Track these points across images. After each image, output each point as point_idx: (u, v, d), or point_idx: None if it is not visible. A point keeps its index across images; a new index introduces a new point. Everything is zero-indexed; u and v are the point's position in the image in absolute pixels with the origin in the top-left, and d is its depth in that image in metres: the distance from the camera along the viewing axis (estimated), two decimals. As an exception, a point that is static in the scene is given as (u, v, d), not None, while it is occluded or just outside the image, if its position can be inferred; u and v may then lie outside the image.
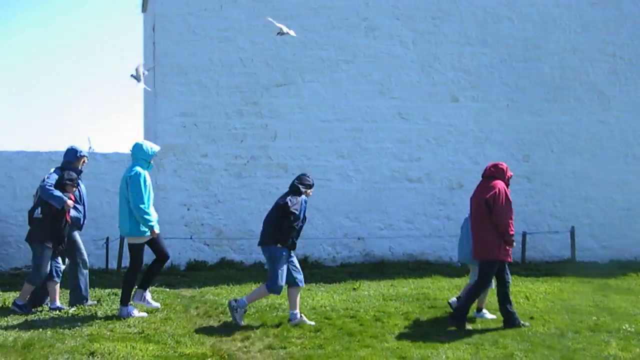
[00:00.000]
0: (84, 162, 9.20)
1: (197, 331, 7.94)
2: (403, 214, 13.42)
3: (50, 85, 47.04)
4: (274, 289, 8.25)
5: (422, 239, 13.43)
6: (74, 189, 8.90)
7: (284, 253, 8.32)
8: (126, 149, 13.26)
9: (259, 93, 12.99)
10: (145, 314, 8.51)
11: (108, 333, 7.78)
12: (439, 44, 13.72)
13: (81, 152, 9.12)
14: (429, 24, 13.67)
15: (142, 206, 8.28)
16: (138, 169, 8.44)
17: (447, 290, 10.62)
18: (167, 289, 10.43)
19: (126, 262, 11.66)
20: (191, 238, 12.56)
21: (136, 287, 8.65)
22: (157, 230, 8.56)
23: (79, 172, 9.09)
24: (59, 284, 9.07)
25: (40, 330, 7.90)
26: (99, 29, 49.85)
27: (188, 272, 12.16)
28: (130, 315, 8.38)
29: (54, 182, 8.71)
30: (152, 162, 8.75)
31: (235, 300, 8.33)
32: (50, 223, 8.68)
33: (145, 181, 8.36)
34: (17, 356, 6.83)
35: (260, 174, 12.96)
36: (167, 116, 12.68)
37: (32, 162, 12.17)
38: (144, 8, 15.87)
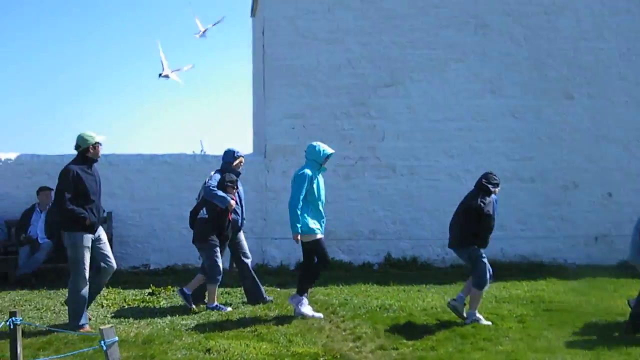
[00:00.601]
0: (241, 162, 9.63)
1: (309, 330, 8.00)
2: (515, 215, 13.06)
3: (163, 90, 48.72)
4: (481, 282, 8.39)
5: (535, 240, 13.04)
6: (235, 190, 9.25)
7: (482, 250, 8.45)
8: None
9: (367, 94, 12.96)
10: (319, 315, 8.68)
11: (222, 331, 7.96)
12: (552, 40, 13.27)
13: (238, 153, 9.55)
14: (541, 19, 13.25)
15: (294, 208, 8.45)
16: (307, 170, 8.66)
17: (563, 294, 10.30)
18: (278, 289, 10.57)
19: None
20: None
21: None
22: (319, 234, 8.75)
23: (238, 174, 9.52)
24: (217, 285, 9.37)
25: (159, 327, 8.17)
26: (209, 33, 51.18)
27: (298, 272, 12.24)
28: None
29: (216, 183, 9.14)
30: (324, 164, 8.88)
31: (454, 299, 8.54)
32: (215, 223, 9.04)
33: (308, 182, 8.52)
34: (137, 351, 7.08)
35: (369, 175, 12.93)
36: (275, 118, 12.85)
37: (148, 164, 12.58)
38: (253, 13, 16.15)
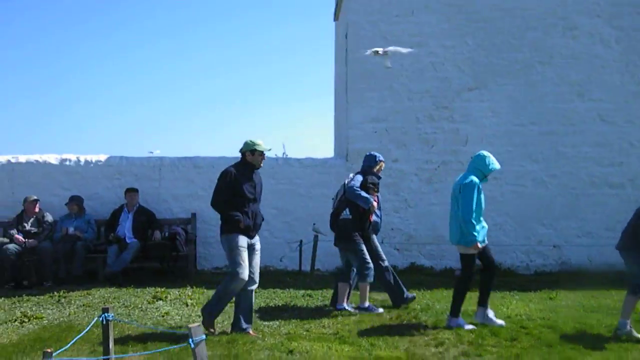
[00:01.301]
0: (381, 167, 9.72)
1: (391, 334, 7.95)
2: (603, 222, 12.66)
3: (245, 93, 49.49)
4: None
5: (624, 249, 12.61)
6: (376, 193, 9.39)
7: None
8: (319, 154, 13.62)
9: (450, 97, 12.82)
10: (473, 327, 8.28)
11: (304, 333, 8.01)
12: (645, 41, 12.84)
13: (379, 157, 9.66)
14: (634, 20, 12.80)
15: (468, 218, 8.12)
16: (473, 178, 8.32)
17: (655, 304, 9.91)
18: (359, 292, 10.53)
19: (318, 264, 11.99)
20: (382, 242, 12.58)
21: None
22: (479, 244, 8.27)
23: (379, 178, 9.62)
24: (350, 286, 9.49)
25: (242, 327, 8.26)
26: (292, 38, 51.76)
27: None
28: (462, 326, 8.23)
29: (359, 184, 9.23)
30: (487, 177, 8.57)
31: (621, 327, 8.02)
32: (357, 223, 9.17)
33: (478, 192, 8.25)
34: (222, 350, 7.19)
35: (451, 180, 12.65)
36: (358, 122, 12.84)
37: (231, 167, 12.77)
38: (336, 16, 16.21)
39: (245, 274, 7.86)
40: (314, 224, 11.86)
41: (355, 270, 9.32)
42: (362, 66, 12.79)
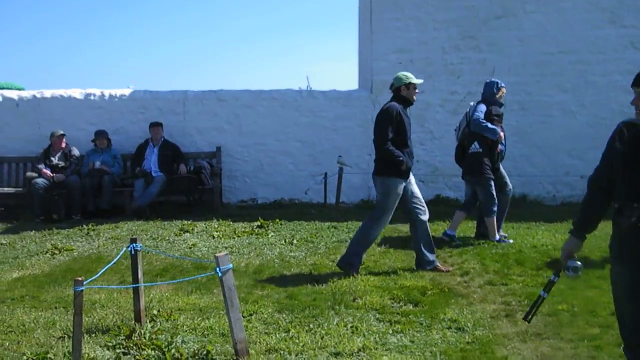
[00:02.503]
0: (503, 93, 9.40)
1: (416, 264, 7.98)
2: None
3: (269, 26, 48.98)
4: None
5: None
6: (501, 123, 9.20)
7: None
8: (343, 86, 13.48)
9: (477, 26, 12.53)
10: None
11: (330, 263, 8.06)
12: (682, -34, 12.39)
13: (501, 84, 9.28)
14: (669, -57, 12.36)
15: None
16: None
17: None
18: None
19: (343, 197, 12.01)
20: (407, 174, 12.56)
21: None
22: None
23: (501, 105, 9.33)
24: (465, 215, 9.57)
25: (269, 258, 8.36)
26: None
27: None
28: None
29: (483, 115, 8.98)
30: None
31: None
32: (486, 155, 9.04)
33: None
34: (249, 280, 7.28)
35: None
36: (383, 53, 12.64)
37: (256, 100, 12.69)
38: (360, -55, 15.83)
39: (388, 220, 7.72)
40: (339, 156, 11.82)
41: (480, 202, 9.23)
42: (387, -5, 12.52)
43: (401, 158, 7.41)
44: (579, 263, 4.05)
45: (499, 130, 8.96)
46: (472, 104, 9.28)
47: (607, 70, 12.45)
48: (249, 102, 12.69)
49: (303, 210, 11.84)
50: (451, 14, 12.50)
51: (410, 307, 6.39)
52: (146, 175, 11.52)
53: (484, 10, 12.49)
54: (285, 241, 9.31)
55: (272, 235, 9.74)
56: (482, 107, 9.01)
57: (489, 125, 8.87)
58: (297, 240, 9.35)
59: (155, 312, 6.08)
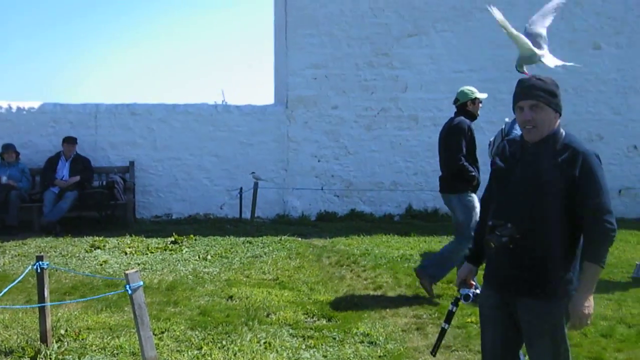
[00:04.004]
0: None
1: (330, 279, 8.06)
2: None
3: (184, 40, 48.54)
4: None
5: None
6: None
7: None
8: (258, 101, 13.49)
9: (390, 44, 12.78)
10: None
11: (244, 279, 8.04)
12: (581, -11, 12.98)
13: None
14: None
15: None
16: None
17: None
18: (299, 239, 10.61)
19: (258, 212, 11.98)
20: (322, 189, 12.67)
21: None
22: None
23: None
24: None
25: (182, 274, 8.26)
26: (230, -15, 50.81)
27: (318, 222, 12.32)
28: None
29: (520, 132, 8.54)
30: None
31: None
32: None
33: None
34: (161, 297, 7.18)
35: (391, 126, 12.83)
36: (298, 68, 12.73)
37: (170, 114, 12.54)
38: (275, -39, 15.91)
39: (471, 235, 7.48)
40: (252, 172, 11.81)
41: None
42: (302, 12, 12.63)
43: (473, 173, 7.35)
44: (472, 291, 3.90)
45: None
46: (507, 120, 8.98)
47: (513, 87, 12.82)
48: (163, 116, 12.53)
49: (218, 225, 11.76)
50: (365, 31, 12.71)
51: (324, 322, 6.43)
52: (66, 186, 11.20)
53: (397, 28, 12.75)
54: (199, 257, 9.23)
55: (186, 251, 9.63)
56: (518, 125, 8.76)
57: None
58: (212, 256, 9.28)
59: (62, 331, 5.92)
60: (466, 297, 3.90)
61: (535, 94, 3.55)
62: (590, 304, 3.45)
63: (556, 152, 3.52)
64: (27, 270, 5.60)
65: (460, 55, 12.84)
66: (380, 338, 5.95)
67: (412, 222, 12.35)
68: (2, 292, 5.15)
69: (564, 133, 3.60)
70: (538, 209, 3.48)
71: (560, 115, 3.63)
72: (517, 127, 8.68)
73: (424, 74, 12.82)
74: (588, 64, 12.98)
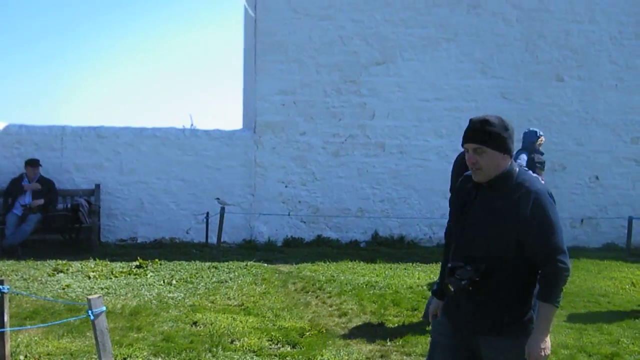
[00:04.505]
0: (542, 141, 9.62)
1: (296, 305, 8.05)
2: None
3: (152, 63, 48.44)
4: None
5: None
6: (543, 172, 9.24)
7: None
8: (226, 126, 13.50)
9: (358, 71, 12.92)
10: None
11: (209, 304, 8.00)
12: (545, 21, 13.22)
13: (540, 132, 9.60)
14: (534, 1, 13.20)
15: None
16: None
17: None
18: (265, 264, 10.59)
19: (225, 237, 11.94)
20: (289, 215, 12.68)
21: None
22: None
23: (542, 154, 9.55)
24: None
25: (146, 299, 8.19)
26: (200, 7, 50.92)
27: (285, 248, 12.31)
28: None
29: (525, 163, 9.08)
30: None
31: None
32: None
33: None
34: (124, 322, 7.10)
35: (358, 153, 12.93)
36: (266, 94, 12.79)
37: (137, 137, 12.50)
38: (246, -13, 16.03)
39: None
40: (217, 198, 11.80)
41: None
42: (271, 38, 12.73)
43: None
44: None
45: (540, 179, 8.93)
46: (517, 151, 9.34)
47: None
48: (130, 140, 12.48)
49: (184, 249, 11.70)
50: (333, 58, 12.83)
51: (288, 348, 6.42)
52: (31, 209, 11.08)
53: (365, 56, 12.90)
54: (164, 281, 9.16)
55: (150, 276, 9.56)
56: (524, 156, 9.29)
57: (532, 173, 8.84)
58: (177, 281, 9.22)
59: (22, 357, 5.84)
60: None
61: (479, 137, 3.50)
62: (546, 345, 3.44)
63: (509, 192, 3.48)
64: (-13, 295, 5.51)
65: (427, 84, 13.01)
66: (345, 365, 5.95)
67: (378, 248, 12.40)
68: (-39, 317, 5.06)
69: (517, 171, 3.56)
70: (495, 249, 3.45)
71: (511, 155, 3.57)
72: (521, 157, 9.07)
73: (391, 102, 12.96)
74: (551, 96, 13.27)
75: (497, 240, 3.46)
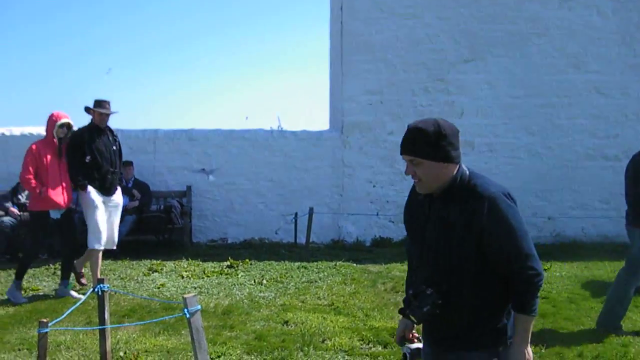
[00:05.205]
0: None
1: (386, 306, 8.00)
2: (598, 194, 12.71)
3: (240, 65, 49.28)
4: None
5: (619, 220, 12.53)
6: None
7: None
8: (313, 127, 13.56)
9: (445, 69, 12.75)
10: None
11: (300, 304, 8.04)
12: (642, 12, 12.74)
13: None
14: (630, -9, 12.72)
15: None
16: None
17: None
18: (354, 264, 10.57)
19: (313, 237, 12.00)
20: (377, 215, 12.63)
21: None
22: None
23: None
24: None
25: (238, 298, 8.31)
26: (286, 8, 51.49)
27: (373, 248, 12.27)
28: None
29: None
30: None
31: None
32: None
33: None
34: (217, 321, 7.22)
35: (446, 152, 12.72)
36: (353, 94, 12.78)
37: (227, 139, 12.69)
38: (331, -12, 16.05)
39: None
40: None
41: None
42: (357, 38, 12.71)
43: None
44: (413, 346, 3.51)
45: None
46: None
47: (572, 113, 12.71)
48: (220, 142, 12.69)
49: (273, 250, 11.81)
50: (420, 56, 12.70)
51: (380, 348, 6.39)
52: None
53: (453, 53, 12.72)
54: (254, 281, 9.28)
55: (241, 275, 9.69)
56: None
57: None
58: (267, 281, 9.32)
59: (121, 354, 6.01)
60: (410, 356, 3.53)
61: (410, 148, 3.22)
62: (529, 357, 3.20)
63: (460, 201, 3.19)
64: (88, 293, 5.72)
65: (518, 81, 12.72)
66: (437, 366, 5.86)
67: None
68: (64, 314, 5.25)
69: (468, 176, 3.26)
70: (456, 266, 3.17)
71: (455, 162, 3.25)
72: None
73: (480, 100, 12.73)
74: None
75: (457, 256, 3.16)
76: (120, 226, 11.09)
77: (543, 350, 6.25)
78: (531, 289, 3.14)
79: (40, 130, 12.30)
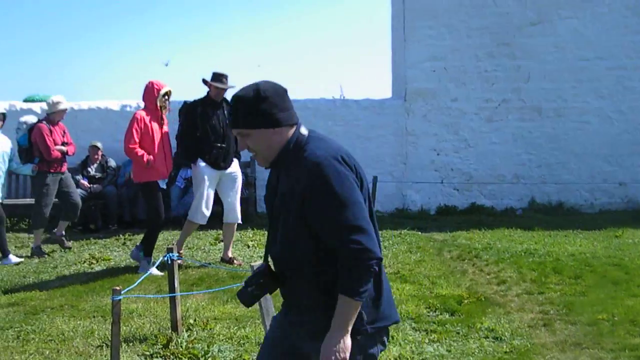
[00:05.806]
0: None
1: (452, 273, 7.94)
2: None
3: (302, 35, 49.20)
4: None
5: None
6: None
7: None
8: (376, 95, 13.46)
9: (511, 33, 12.44)
10: None
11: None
12: None
13: None
14: None
15: None
16: None
17: None
18: (419, 233, 10.51)
19: (378, 205, 11.96)
20: (441, 183, 12.51)
21: None
22: None
23: None
24: None
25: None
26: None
27: (438, 216, 12.17)
28: None
29: None
30: None
31: None
32: None
33: None
34: (284, 289, 7.27)
35: (512, 118, 12.51)
36: (416, 61, 12.60)
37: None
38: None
39: None
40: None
41: None
42: (420, 3, 12.50)
43: None
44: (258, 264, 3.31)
45: None
46: None
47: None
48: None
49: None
50: (485, 21, 12.43)
51: (447, 316, 6.35)
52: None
53: (518, 16, 12.40)
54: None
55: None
56: None
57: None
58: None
59: (191, 321, 6.12)
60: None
61: (235, 121, 2.91)
62: (344, 346, 2.75)
63: (290, 169, 2.88)
64: (158, 262, 5.82)
65: (587, 43, 12.34)
66: (506, 334, 5.80)
67: (535, 215, 11.99)
68: (136, 283, 5.37)
69: (302, 141, 2.91)
70: (289, 240, 2.86)
71: (284, 125, 2.87)
72: None
73: (547, 63, 12.40)
74: None
75: (289, 229, 2.86)
76: (186, 197, 11.29)
77: (616, 318, 6.11)
78: (356, 267, 2.72)
79: (108, 104, 12.61)
